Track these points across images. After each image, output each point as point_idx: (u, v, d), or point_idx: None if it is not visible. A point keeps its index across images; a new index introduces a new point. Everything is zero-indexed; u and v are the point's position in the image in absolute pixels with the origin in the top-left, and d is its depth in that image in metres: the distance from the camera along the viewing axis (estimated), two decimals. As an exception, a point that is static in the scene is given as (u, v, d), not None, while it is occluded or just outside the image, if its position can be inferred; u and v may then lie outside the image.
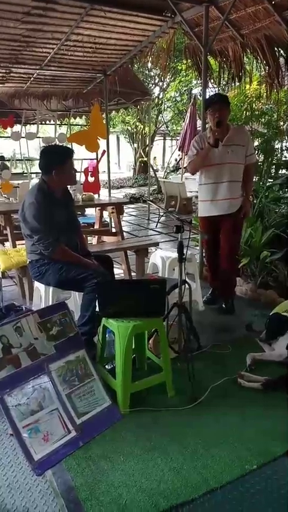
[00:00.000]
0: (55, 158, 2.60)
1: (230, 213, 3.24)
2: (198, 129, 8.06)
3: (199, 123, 7.08)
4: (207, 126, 3.75)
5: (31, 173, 7.15)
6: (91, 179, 5.56)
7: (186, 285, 2.51)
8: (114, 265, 3.12)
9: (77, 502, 1.60)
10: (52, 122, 7.59)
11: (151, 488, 1.66)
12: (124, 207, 5.42)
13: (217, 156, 3.18)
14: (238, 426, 2.04)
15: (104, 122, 6.12)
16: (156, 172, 14.74)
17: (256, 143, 7.49)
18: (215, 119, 3.08)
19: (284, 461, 1.81)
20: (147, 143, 13.89)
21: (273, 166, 7.96)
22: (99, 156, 6.05)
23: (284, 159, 8.61)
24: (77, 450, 1.86)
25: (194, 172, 3.43)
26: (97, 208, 5.36)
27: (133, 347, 2.27)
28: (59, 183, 2.64)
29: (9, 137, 6.19)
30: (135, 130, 15.11)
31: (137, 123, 14.22)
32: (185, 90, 12.67)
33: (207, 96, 4.10)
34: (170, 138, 18.93)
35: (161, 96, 13.40)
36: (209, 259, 3.55)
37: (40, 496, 1.66)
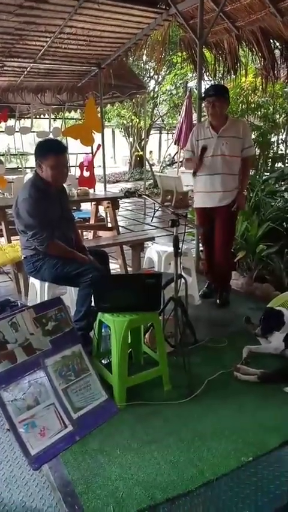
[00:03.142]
0: (38, 151, 2.56)
1: (224, 205, 3.23)
2: (194, 122, 8.04)
3: (195, 116, 7.05)
4: (203, 119, 3.75)
5: (25, 168, 7.11)
6: (86, 174, 5.52)
7: (182, 279, 2.51)
8: (110, 260, 3.11)
9: (74, 496, 1.61)
10: (46, 116, 7.54)
11: (148, 481, 1.67)
12: (120, 202, 5.40)
13: (212, 148, 3.17)
14: (234, 419, 2.05)
15: (99, 116, 6.08)
16: (152, 167, 14.68)
17: (252, 136, 7.48)
18: (208, 112, 3.11)
19: (280, 453, 1.83)
20: (142, 137, 13.83)
21: (270, 160, 7.97)
22: (94, 150, 6.01)
23: (280, 152, 8.62)
24: (73, 444, 1.86)
25: (188, 169, 3.48)
26: (92, 203, 5.33)
27: (129, 341, 2.28)
28: (47, 178, 2.58)
29: (3, 132, 6.13)
30: (130, 124, 15.01)
31: (133, 117, 14.12)
32: (180, 83, 12.59)
33: (202, 89, 4.08)
34: (165, 131, 18.85)
35: (156, 90, 13.32)
36: (205, 252, 3.56)
37: (37, 490, 1.67)
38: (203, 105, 3.29)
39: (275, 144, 8.56)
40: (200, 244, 4.04)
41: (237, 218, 3.51)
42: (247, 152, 3.21)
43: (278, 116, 8.13)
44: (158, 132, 19.64)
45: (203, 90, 4.06)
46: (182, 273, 2.54)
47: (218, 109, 3.08)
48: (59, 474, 1.72)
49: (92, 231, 5.24)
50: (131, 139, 15.97)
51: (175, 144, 9.65)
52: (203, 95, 3.23)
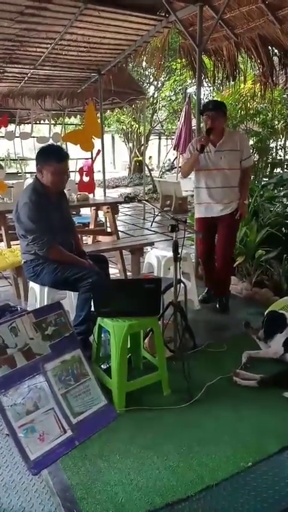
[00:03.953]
0: (40, 156, 2.58)
1: (226, 213, 3.26)
2: (193, 128, 8.08)
3: (194, 122, 7.09)
4: (201, 126, 3.77)
5: (25, 173, 7.13)
6: (86, 179, 5.54)
7: (181, 284, 2.51)
8: (110, 265, 3.12)
9: (73, 501, 1.60)
10: (46, 122, 7.57)
11: (147, 486, 1.67)
12: (119, 207, 5.42)
13: (211, 162, 3.20)
14: (233, 424, 2.05)
15: (99, 121, 6.11)
16: (152, 172, 14.73)
17: (251, 142, 7.53)
18: (207, 125, 3.13)
19: (279, 458, 1.83)
20: (142, 142, 13.88)
21: (269, 165, 8.01)
22: (94, 156, 6.04)
23: (279, 158, 8.67)
24: (73, 450, 1.86)
25: (185, 176, 3.45)
26: (92, 208, 5.35)
27: (128, 346, 2.28)
28: (47, 183, 2.60)
29: (3, 137, 6.15)
30: (130, 129, 15.09)
31: (132, 123, 14.20)
32: (179, 89, 12.68)
33: (201, 95, 4.13)
34: (165, 137, 18.93)
35: (155, 96, 13.40)
36: (204, 259, 3.56)
37: (36, 495, 1.67)
38: (202, 118, 3.33)
39: (274, 150, 8.61)
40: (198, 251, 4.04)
41: (239, 227, 3.54)
42: (246, 163, 3.26)
43: (276, 122, 8.19)
44: (158, 137, 19.73)
45: (202, 96, 4.10)
46: (182, 278, 2.55)
47: (216, 122, 3.11)
48: (59, 479, 1.72)
49: (92, 236, 5.24)
50: (131, 144, 16.04)
51: (174, 149, 9.69)
52: (202, 108, 3.28)
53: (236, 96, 7.30)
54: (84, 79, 6.59)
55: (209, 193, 3.26)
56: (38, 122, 8.31)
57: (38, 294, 2.87)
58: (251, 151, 7.01)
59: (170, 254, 2.54)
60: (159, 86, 13.28)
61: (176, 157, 10.98)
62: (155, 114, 14.13)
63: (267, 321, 2.75)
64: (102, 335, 2.42)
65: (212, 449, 1.87)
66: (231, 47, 4.51)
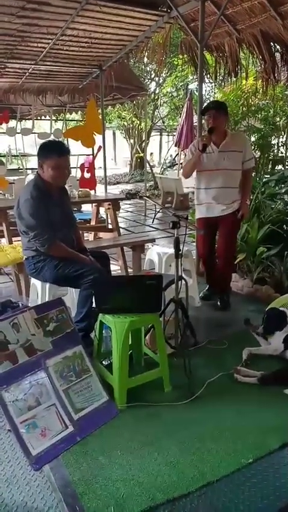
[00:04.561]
0: (40, 152, 2.57)
1: (227, 214, 3.26)
2: (194, 124, 8.06)
3: (195, 118, 7.06)
4: (203, 122, 3.75)
5: (26, 169, 7.12)
6: (87, 175, 5.53)
7: (182, 280, 2.51)
8: (111, 262, 3.12)
9: (75, 496, 1.61)
10: (47, 118, 7.56)
11: (148, 482, 1.67)
12: (120, 203, 5.41)
13: (213, 162, 3.19)
14: (234, 420, 2.05)
15: (100, 117, 6.09)
16: (153, 168, 14.70)
17: (253, 139, 7.51)
18: (208, 125, 3.12)
19: (280, 455, 1.83)
20: (143, 139, 13.85)
21: (270, 162, 7.98)
22: (95, 152, 6.03)
23: (280, 154, 8.64)
24: (74, 445, 1.87)
25: (186, 176, 3.43)
26: (93, 204, 5.35)
27: (130, 343, 2.29)
28: (48, 178, 2.59)
29: (4, 133, 6.15)
30: (131, 125, 15.05)
31: (133, 119, 14.17)
32: (181, 86, 12.65)
33: (203, 91, 4.11)
34: (166, 133, 18.88)
35: (157, 92, 13.37)
36: (204, 258, 3.56)
37: (38, 491, 1.67)
38: (204, 119, 3.32)
39: (276, 147, 8.59)
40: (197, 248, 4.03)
41: (240, 226, 3.54)
42: (248, 165, 3.26)
43: (278, 119, 8.17)
44: (159, 134, 19.67)
45: (203, 92, 4.09)
46: (183, 275, 2.55)
47: (218, 121, 3.10)
48: (60, 475, 1.72)
49: (93, 233, 5.24)
50: (132, 141, 16.00)
51: (176, 146, 9.67)
52: (202, 109, 3.27)
53: (238, 92, 7.27)
54: (85, 75, 6.57)
55: (211, 193, 3.25)
56: (39, 117, 8.30)
57: (39, 290, 2.87)
58: (253, 148, 7.00)
59: (171, 251, 2.54)
60: (160, 82, 13.24)
61: (178, 154, 10.96)
62: (157, 110, 14.10)
63: (267, 318, 2.75)
64: (104, 331, 2.42)
65: (212, 445, 1.87)
66: (233, 43, 4.49)
